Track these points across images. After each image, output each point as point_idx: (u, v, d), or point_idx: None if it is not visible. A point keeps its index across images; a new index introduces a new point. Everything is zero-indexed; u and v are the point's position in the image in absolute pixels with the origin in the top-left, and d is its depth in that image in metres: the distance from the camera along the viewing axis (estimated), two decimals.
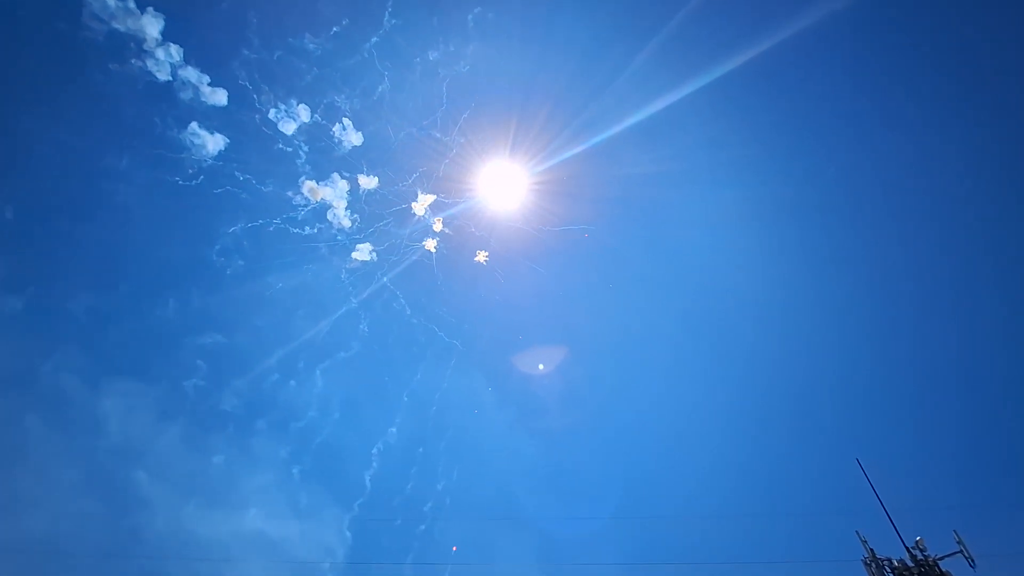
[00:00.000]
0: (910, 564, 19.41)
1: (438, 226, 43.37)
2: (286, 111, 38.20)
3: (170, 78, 36.02)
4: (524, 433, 49.68)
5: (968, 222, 41.88)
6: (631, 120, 40.42)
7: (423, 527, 45.32)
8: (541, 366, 47.92)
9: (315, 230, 41.16)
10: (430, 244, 43.85)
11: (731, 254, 45.22)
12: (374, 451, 45.31)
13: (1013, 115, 38.78)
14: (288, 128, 38.68)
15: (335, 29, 37.28)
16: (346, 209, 41.68)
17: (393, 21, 37.33)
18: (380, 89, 38.97)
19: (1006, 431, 42.85)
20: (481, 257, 44.62)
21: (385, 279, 43.35)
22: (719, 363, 48.30)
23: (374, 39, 37.56)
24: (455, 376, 46.61)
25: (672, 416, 49.41)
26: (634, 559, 44.53)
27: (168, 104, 37.03)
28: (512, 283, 45.28)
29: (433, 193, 42.14)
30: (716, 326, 47.40)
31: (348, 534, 44.12)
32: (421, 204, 42.60)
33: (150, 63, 35.11)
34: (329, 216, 41.53)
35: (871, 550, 20.07)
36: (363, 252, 42.77)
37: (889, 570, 19.55)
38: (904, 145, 41.68)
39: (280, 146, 39.02)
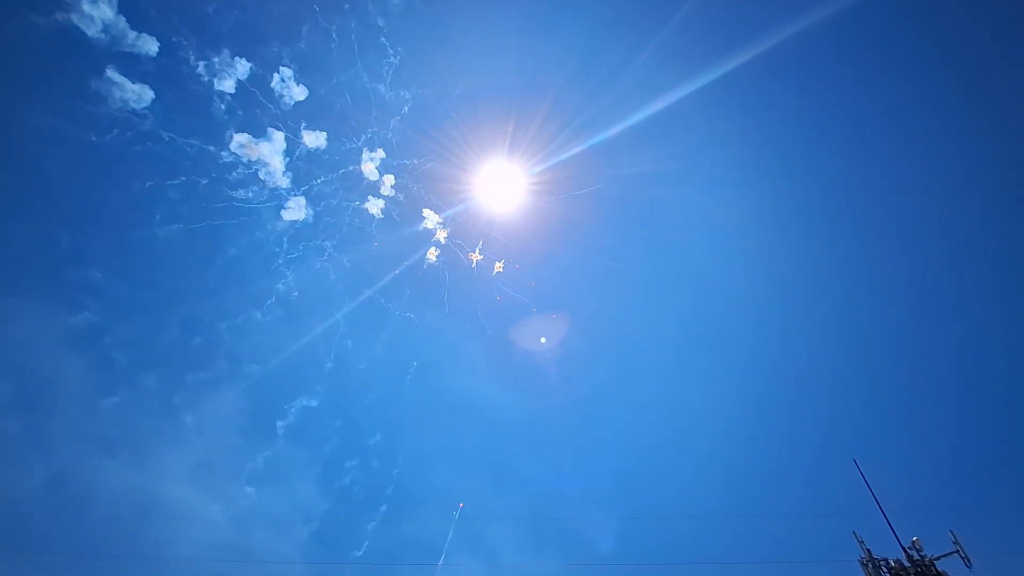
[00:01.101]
0: (907, 564, 19.42)
1: (387, 189, 40.53)
2: (219, 62, 35.91)
3: (100, 30, 33.67)
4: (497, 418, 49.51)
5: (965, 224, 42.04)
6: (627, 120, 40.42)
7: (348, 480, 45.57)
8: (543, 339, 46.65)
9: (248, 189, 38.88)
10: (375, 207, 41.08)
11: (729, 255, 45.35)
12: (290, 407, 44.54)
13: (1016, 119, 38.98)
14: (224, 81, 36.17)
15: None
16: (284, 167, 39.10)
17: None
18: (325, 43, 37.19)
19: (1002, 431, 43.05)
20: (432, 222, 41.61)
21: (325, 243, 41.26)
22: (716, 363, 48.42)
23: None
24: (393, 347, 45.64)
25: (668, 416, 49.54)
26: (629, 559, 44.59)
27: (92, 54, 34.57)
28: (484, 263, 43.52)
29: (383, 151, 39.57)
30: (713, 326, 47.51)
31: (249, 489, 43.83)
32: (369, 165, 39.79)
33: (74, 16, 33.02)
34: (263, 174, 38.76)
35: (868, 550, 20.08)
36: (297, 210, 40.16)
37: (886, 570, 19.56)
38: (903, 146, 41.83)
39: (213, 100, 36.86)
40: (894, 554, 19.83)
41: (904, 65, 40.43)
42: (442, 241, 42.85)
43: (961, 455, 44.08)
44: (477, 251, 42.88)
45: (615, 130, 40.48)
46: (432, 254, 43.10)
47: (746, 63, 38.03)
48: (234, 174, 38.61)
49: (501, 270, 43.27)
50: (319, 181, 39.97)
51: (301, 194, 40.19)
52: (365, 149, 39.91)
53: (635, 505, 48.15)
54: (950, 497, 43.17)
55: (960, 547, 19.06)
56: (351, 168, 40.27)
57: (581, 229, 44.44)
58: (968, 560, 18.86)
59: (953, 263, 43.07)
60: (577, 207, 43.30)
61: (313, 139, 38.86)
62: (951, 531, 19.33)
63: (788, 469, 46.49)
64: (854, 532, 20.59)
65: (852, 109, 41.76)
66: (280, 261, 41.75)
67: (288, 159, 39.16)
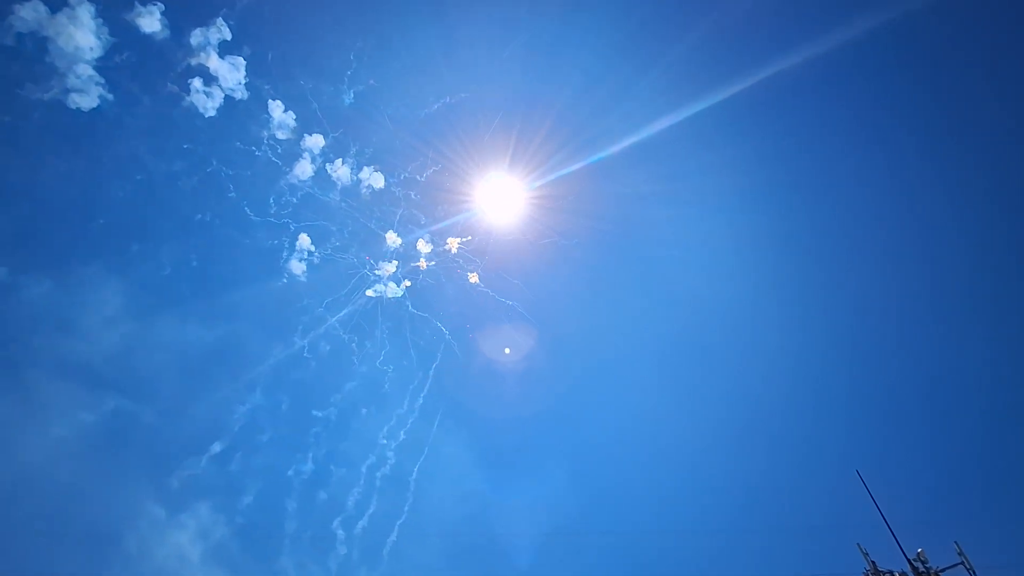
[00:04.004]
0: None
1: (236, 86, 31.33)
2: None
3: None
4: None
5: (967, 239, 42.42)
6: (617, 139, 40.77)
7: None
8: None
9: (46, 82, 30.35)
10: (210, 104, 32.01)
11: (728, 266, 45.55)
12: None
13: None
14: None
15: None
16: (98, 47, 30.87)
17: None
18: None
19: (1008, 442, 42.88)
20: (287, 127, 32.33)
21: (138, 146, 32.49)
22: (716, 375, 48.29)
23: None
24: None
25: (669, 430, 49.17)
26: None
27: None
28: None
29: (229, 32, 30.14)
30: (713, 337, 47.48)
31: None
32: (213, 58, 30.94)
33: None
34: (59, 59, 30.12)
35: (872, 563, 19.96)
36: (90, 97, 31.46)
37: None
38: (900, 166, 42.43)
39: None
40: (899, 566, 19.70)
41: (901, 94, 41.23)
42: (316, 151, 34.23)
43: (966, 466, 43.90)
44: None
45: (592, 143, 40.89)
46: (305, 169, 35.29)
47: (747, 88, 38.60)
48: (22, 60, 30.09)
49: (382, 187, 35.58)
50: (128, 60, 31.00)
51: (111, 80, 31.18)
52: (203, 29, 31.81)
53: (631, 520, 47.81)
54: (955, 508, 42.92)
55: (965, 559, 18.94)
56: (191, 58, 31.53)
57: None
58: (973, 572, 18.74)
59: (959, 275, 43.37)
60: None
61: (144, 20, 30.91)
62: (956, 542, 19.24)
63: (790, 481, 46.20)
64: (858, 544, 20.50)
65: (849, 138, 42.47)
66: (82, 163, 33.36)
67: (100, 38, 30.83)
